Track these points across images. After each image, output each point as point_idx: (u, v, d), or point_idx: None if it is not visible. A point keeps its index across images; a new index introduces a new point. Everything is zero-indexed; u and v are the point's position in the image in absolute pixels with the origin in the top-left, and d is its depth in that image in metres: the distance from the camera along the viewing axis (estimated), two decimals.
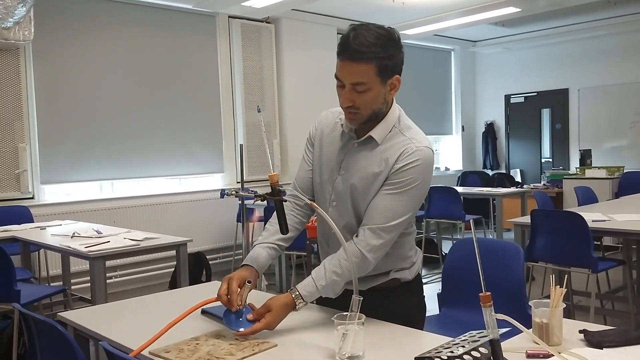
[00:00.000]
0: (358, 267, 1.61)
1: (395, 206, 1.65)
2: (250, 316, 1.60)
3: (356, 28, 1.57)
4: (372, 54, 1.54)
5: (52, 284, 4.95)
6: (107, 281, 3.40)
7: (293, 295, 1.61)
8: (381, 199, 1.66)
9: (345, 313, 1.45)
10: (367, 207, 1.68)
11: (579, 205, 4.81)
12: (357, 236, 1.67)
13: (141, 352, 1.46)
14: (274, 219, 1.79)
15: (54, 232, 4.05)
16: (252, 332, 1.56)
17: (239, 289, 1.62)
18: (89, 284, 3.31)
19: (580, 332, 1.51)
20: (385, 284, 1.79)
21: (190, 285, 3.08)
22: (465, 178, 8.85)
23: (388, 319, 1.70)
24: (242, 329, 1.57)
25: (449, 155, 9.90)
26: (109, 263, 3.36)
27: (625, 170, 7.20)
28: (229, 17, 6.67)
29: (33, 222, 4.81)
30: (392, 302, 1.80)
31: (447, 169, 9.70)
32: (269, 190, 1.69)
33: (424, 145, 1.66)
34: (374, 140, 1.69)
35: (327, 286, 1.63)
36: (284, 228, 1.69)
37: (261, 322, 1.57)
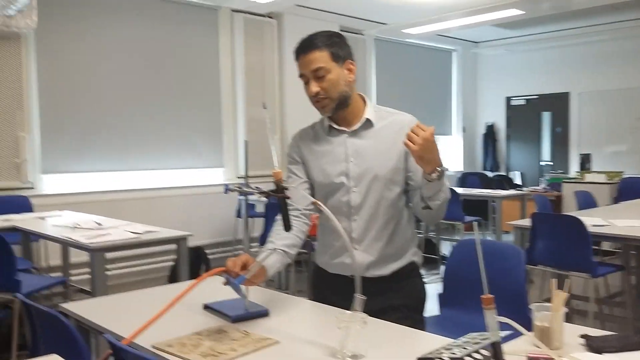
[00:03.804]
0: (443, 212, 1.86)
1: None
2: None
3: (303, 38, 1.86)
4: (320, 43, 1.81)
5: (51, 275, 4.95)
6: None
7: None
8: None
9: (348, 312, 1.46)
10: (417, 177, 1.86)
11: (578, 210, 4.82)
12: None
13: (144, 347, 1.46)
14: (277, 226, 1.85)
15: (55, 223, 4.05)
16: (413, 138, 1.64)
17: (245, 263, 1.67)
18: (88, 276, 3.31)
19: (581, 336, 1.52)
20: (406, 267, 1.92)
21: (189, 279, 3.08)
22: (465, 179, 8.85)
23: (409, 301, 1.90)
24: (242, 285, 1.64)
25: (450, 156, 9.90)
26: (107, 255, 3.36)
27: (624, 176, 7.21)
28: (231, 10, 6.66)
29: (32, 212, 4.81)
30: (411, 285, 1.95)
31: (447, 169, 9.68)
32: (271, 186, 1.69)
33: (411, 115, 1.92)
34: (370, 123, 1.89)
35: (445, 182, 1.83)
36: (287, 225, 1.70)
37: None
